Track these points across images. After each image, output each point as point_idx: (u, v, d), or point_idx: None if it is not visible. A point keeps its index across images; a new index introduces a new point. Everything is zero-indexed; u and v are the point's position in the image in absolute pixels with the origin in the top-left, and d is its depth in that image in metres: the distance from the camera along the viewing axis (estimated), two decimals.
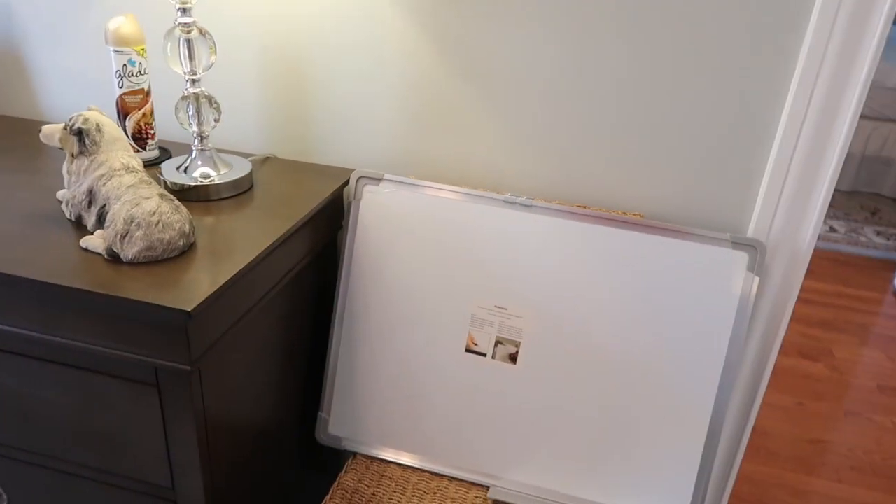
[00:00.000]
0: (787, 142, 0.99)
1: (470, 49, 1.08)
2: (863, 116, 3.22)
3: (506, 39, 1.06)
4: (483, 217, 1.07)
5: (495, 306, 1.08)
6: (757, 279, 0.98)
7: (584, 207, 1.09)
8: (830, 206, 3.28)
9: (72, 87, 1.31)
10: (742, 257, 0.98)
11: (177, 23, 0.96)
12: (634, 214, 1.10)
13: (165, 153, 1.18)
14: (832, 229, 3.04)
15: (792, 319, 2.34)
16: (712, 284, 1.00)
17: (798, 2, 0.93)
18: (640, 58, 1.02)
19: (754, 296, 0.99)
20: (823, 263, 2.77)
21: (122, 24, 1.05)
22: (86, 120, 0.88)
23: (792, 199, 1.02)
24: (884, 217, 3.19)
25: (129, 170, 0.89)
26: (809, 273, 2.69)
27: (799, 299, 2.48)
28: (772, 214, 1.03)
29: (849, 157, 3.31)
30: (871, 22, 0.90)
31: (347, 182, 1.14)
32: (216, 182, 1.02)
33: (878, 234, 3.01)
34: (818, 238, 2.95)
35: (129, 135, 1.12)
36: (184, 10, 0.95)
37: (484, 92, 1.10)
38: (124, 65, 1.07)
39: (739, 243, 0.99)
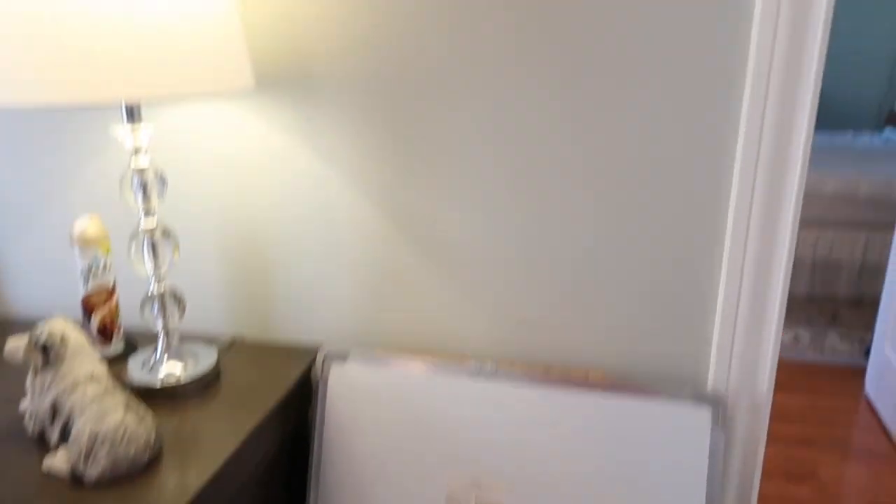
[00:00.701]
0: (731, 287, 1.04)
1: (424, 223, 1.13)
2: (808, 224, 3.37)
3: (459, 212, 1.12)
4: (450, 389, 1.08)
5: (470, 482, 1.07)
6: (723, 434, 0.99)
7: (548, 369, 1.11)
8: (792, 312, 3.36)
9: (38, 282, 1.33)
10: (705, 412, 1.00)
11: (140, 227, 1.00)
12: (596, 372, 1.12)
13: (130, 346, 1.18)
14: (796, 338, 3.10)
15: (771, 439, 2.33)
16: (680, 441, 1.01)
17: (723, 132, 1.01)
18: (589, 223, 1.08)
19: (723, 450, 1.00)
20: (793, 375, 2.80)
21: (86, 226, 1.09)
22: (50, 334, 0.89)
23: (744, 346, 1.06)
24: (844, 320, 3.27)
25: (93, 379, 0.89)
26: (782, 387, 2.71)
27: (776, 417, 2.49)
28: (727, 364, 1.06)
29: (800, 263, 3.44)
30: (791, 162, 0.97)
31: (314, 360, 1.15)
32: (182, 382, 1.02)
33: (842, 338, 3.08)
34: (785, 349, 3.00)
35: (94, 331, 1.13)
36: (147, 214, 0.99)
37: (440, 262, 1.15)
38: (89, 265, 1.10)
39: (701, 398, 1.01)
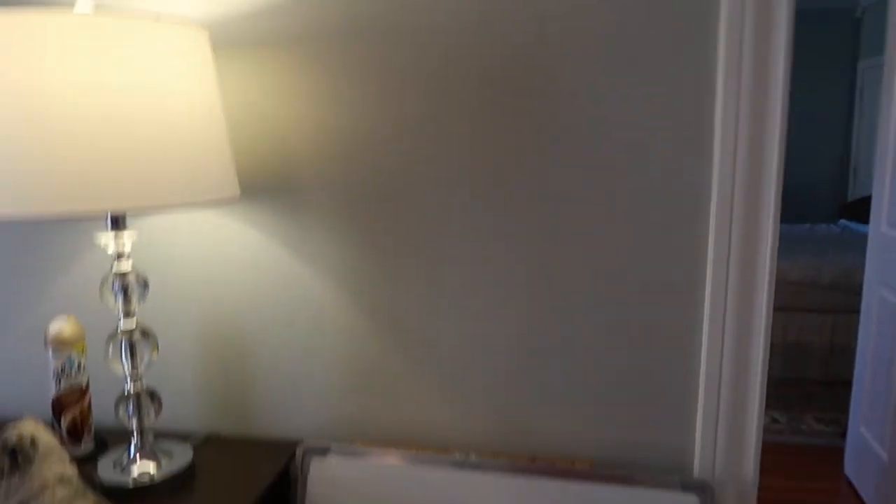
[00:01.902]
0: (711, 375, 1.05)
1: (406, 320, 1.14)
2: (776, 309, 3.45)
3: (436, 308, 1.13)
4: (434, 481, 1.06)
5: None
6: None
7: (533, 459, 1.10)
8: (768, 396, 3.38)
9: (8, 382, 1.29)
10: (693, 500, 0.99)
11: (120, 328, 0.99)
12: (583, 461, 1.11)
13: (102, 445, 1.14)
14: (774, 420, 3.10)
15: None
16: None
17: (695, 231, 1.05)
18: (569, 318, 1.10)
19: None
20: (773, 458, 2.79)
21: (61, 328, 1.07)
22: (20, 437, 0.86)
23: (728, 428, 1.06)
24: (818, 401, 3.29)
25: (62, 481, 0.86)
26: (763, 470, 2.68)
27: (759, 501, 2.45)
28: (713, 448, 1.06)
29: (772, 347, 3.49)
30: (762, 239, 1.02)
31: (294, 456, 1.12)
32: (155, 481, 0.99)
33: (818, 420, 3.09)
34: (764, 432, 2.99)
35: (64, 432, 1.09)
36: (126, 314, 0.99)
37: (422, 358, 1.15)
38: (62, 366, 1.07)
39: (688, 486, 1.00)
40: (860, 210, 4.68)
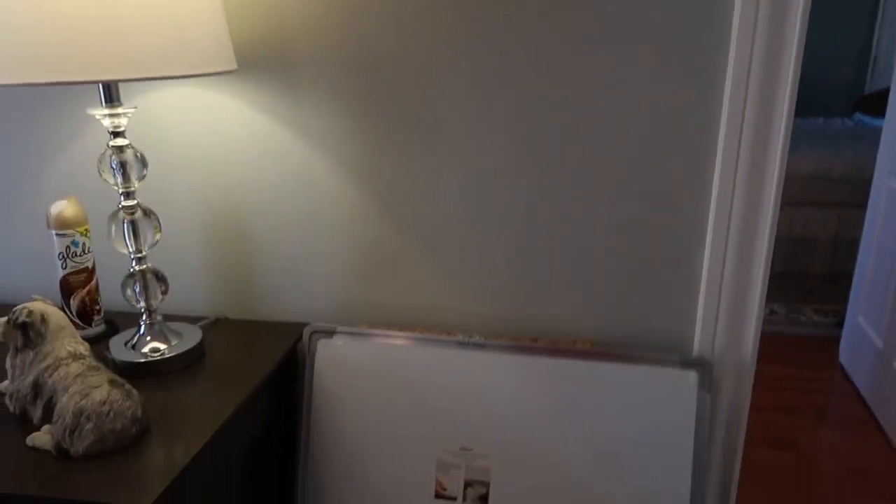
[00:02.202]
0: (716, 257, 1.05)
1: (409, 200, 1.13)
2: (783, 203, 3.43)
3: (441, 189, 1.11)
4: (438, 360, 1.08)
5: (460, 448, 1.07)
6: (709, 396, 1.01)
7: (536, 340, 1.12)
8: (768, 288, 3.42)
9: (14, 267, 1.30)
10: (692, 376, 1.02)
11: (120, 206, 0.98)
12: (584, 342, 1.13)
13: (112, 326, 1.17)
14: (773, 311, 3.15)
15: (751, 407, 2.37)
16: (667, 405, 1.02)
17: (707, 117, 1.02)
18: (573, 195, 1.08)
19: (710, 411, 1.01)
20: (770, 346, 2.85)
21: (64, 208, 1.07)
22: (30, 312, 0.88)
23: (729, 312, 1.07)
24: (819, 295, 3.33)
25: (76, 357, 0.88)
26: (760, 357, 2.76)
27: (754, 386, 2.53)
28: (713, 330, 1.08)
29: (776, 241, 3.49)
30: (775, 123, 0.99)
31: (300, 338, 1.14)
32: (167, 356, 1.01)
33: (817, 312, 3.14)
34: (762, 323, 3.05)
35: (74, 313, 1.11)
36: (127, 195, 0.98)
37: (426, 238, 1.15)
38: (67, 247, 1.08)
39: (688, 363, 1.02)
40: (877, 103, 4.54)
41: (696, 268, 1.08)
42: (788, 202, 3.42)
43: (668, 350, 1.12)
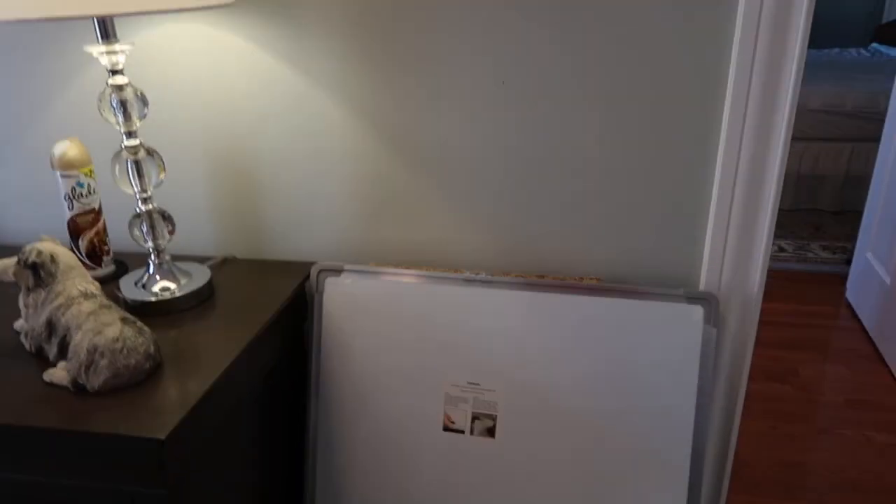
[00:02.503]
0: (724, 194, 1.04)
1: (413, 136, 1.12)
2: (793, 138, 3.37)
3: (448, 124, 1.10)
4: (445, 297, 1.09)
5: (468, 383, 1.09)
6: (714, 330, 1.02)
7: (542, 277, 1.12)
8: (776, 225, 3.40)
9: (21, 210, 1.30)
10: (697, 310, 1.02)
11: (123, 146, 0.98)
12: (591, 279, 1.14)
13: (121, 267, 1.18)
14: (781, 249, 3.15)
15: (756, 343, 2.40)
16: (673, 339, 1.03)
17: (717, 50, 0.99)
18: (580, 130, 1.07)
19: (714, 346, 1.02)
20: (777, 283, 2.86)
21: (67, 149, 1.06)
22: (39, 252, 0.88)
23: (736, 248, 1.07)
24: (827, 231, 3.32)
25: (87, 296, 0.89)
26: (765, 294, 2.77)
27: (760, 323, 2.55)
28: (720, 265, 1.08)
29: (786, 177, 3.45)
30: (787, 54, 0.96)
31: (308, 276, 1.15)
32: (176, 295, 1.03)
33: (824, 248, 3.13)
34: (770, 259, 3.05)
35: (83, 254, 1.12)
36: (129, 134, 0.97)
37: (432, 175, 1.14)
38: (73, 188, 1.08)
39: (693, 297, 1.03)
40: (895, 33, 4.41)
41: (703, 203, 1.07)
42: (799, 137, 3.37)
43: (674, 285, 1.13)
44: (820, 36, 5.01)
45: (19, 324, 0.97)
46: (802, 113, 3.34)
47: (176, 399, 0.82)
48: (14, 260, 0.90)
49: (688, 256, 1.11)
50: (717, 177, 1.04)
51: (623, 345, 1.05)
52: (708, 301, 1.02)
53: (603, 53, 1.01)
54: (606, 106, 1.04)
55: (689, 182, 1.07)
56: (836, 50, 4.56)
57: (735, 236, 1.06)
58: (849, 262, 2.86)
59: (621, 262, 1.14)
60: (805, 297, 2.75)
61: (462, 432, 1.10)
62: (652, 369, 1.04)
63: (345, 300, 1.12)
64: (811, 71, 3.76)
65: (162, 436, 0.75)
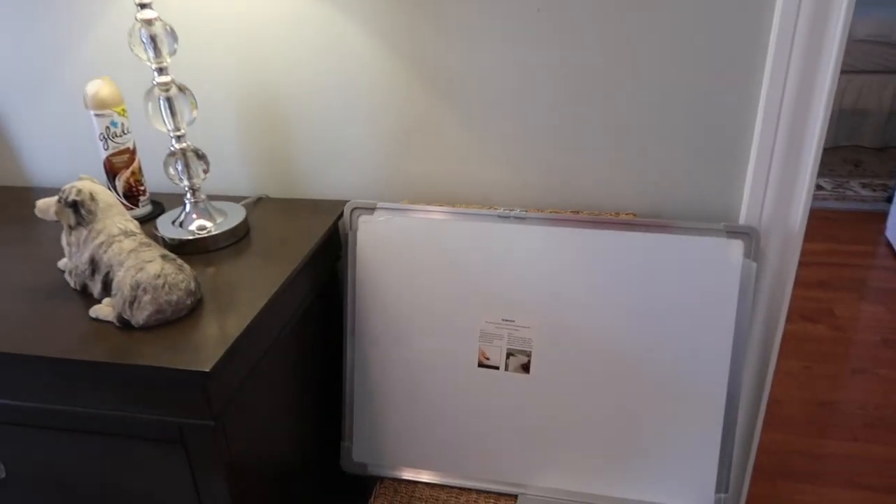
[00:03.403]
0: (768, 125, 1.01)
1: (446, 70, 1.09)
2: None
3: (482, 55, 1.07)
4: (479, 234, 1.09)
5: (502, 319, 1.10)
6: (754, 265, 1.00)
7: (577, 213, 1.11)
8: None
9: (56, 151, 1.31)
10: (737, 245, 1.00)
11: (155, 83, 0.97)
12: (627, 214, 1.12)
13: (158, 207, 1.19)
14: (819, 187, 3.07)
15: None
16: (711, 274, 1.02)
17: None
18: (617, 60, 1.03)
19: (754, 281, 1.01)
20: (813, 222, 2.80)
21: (100, 87, 1.06)
22: (79, 191, 0.89)
23: (779, 182, 1.04)
24: (867, 168, 3.22)
25: (127, 234, 0.90)
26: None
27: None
28: (761, 200, 1.05)
29: None
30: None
31: (342, 214, 1.15)
32: (213, 233, 1.03)
33: (864, 186, 3.05)
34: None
35: (120, 194, 1.13)
36: (160, 70, 0.96)
37: (465, 110, 1.12)
38: (107, 127, 1.08)
39: (733, 231, 1.01)
40: None
41: (745, 136, 1.04)
42: (842, 69, 3.23)
43: (713, 218, 1.11)
44: None
45: (63, 262, 0.99)
46: (847, 43, 3.20)
47: (217, 334, 0.83)
48: (55, 199, 0.91)
49: (727, 191, 1.08)
50: (761, 108, 1.00)
51: (660, 280, 1.03)
52: (749, 235, 1.00)
53: None
54: (646, 35, 1.00)
55: (731, 114, 1.03)
56: None
57: (778, 170, 1.03)
58: (890, 199, 2.79)
59: (658, 196, 1.11)
60: (842, 237, 2.69)
61: (497, 368, 1.11)
62: (689, 305, 1.03)
63: (379, 238, 1.12)
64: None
65: (207, 368, 0.77)
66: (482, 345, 1.11)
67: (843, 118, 3.34)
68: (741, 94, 1.01)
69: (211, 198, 1.14)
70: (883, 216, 2.79)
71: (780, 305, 1.12)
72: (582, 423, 1.09)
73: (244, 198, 1.22)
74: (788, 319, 2.19)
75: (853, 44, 3.19)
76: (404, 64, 1.10)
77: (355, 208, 1.12)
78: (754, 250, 1.00)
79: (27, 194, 1.30)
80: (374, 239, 1.12)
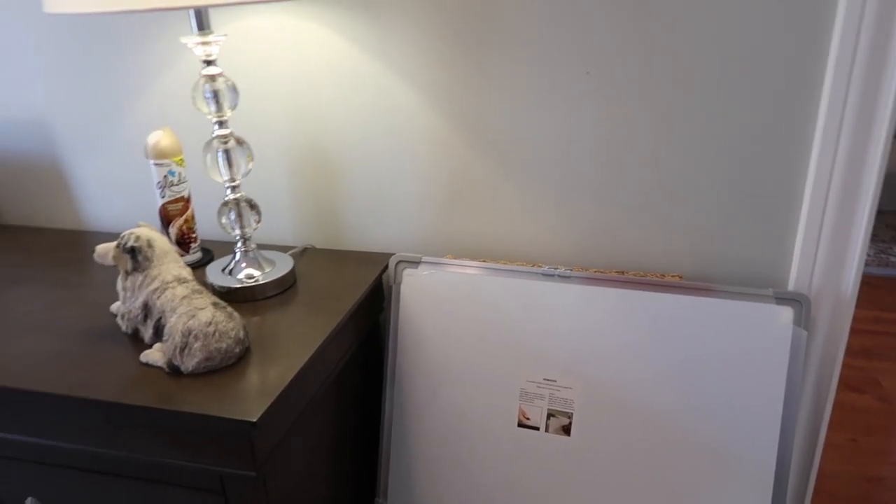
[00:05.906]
0: (819, 191, 1.00)
1: (493, 128, 1.11)
2: None
3: (530, 115, 1.09)
4: (523, 292, 1.09)
5: (544, 379, 1.08)
6: (805, 333, 0.98)
7: (622, 273, 1.10)
8: None
9: (112, 197, 1.36)
10: (787, 312, 0.99)
11: (214, 135, 1.00)
12: (673, 276, 1.11)
13: (207, 254, 1.21)
14: None
15: None
16: (760, 341, 1.00)
17: (814, 37, 0.95)
18: (666, 122, 1.04)
19: (804, 349, 0.98)
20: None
21: (160, 138, 1.10)
22: (137, 238, 0.92)
23: (830, 247, 1.03)
24: None
25: (181, 281, 0.92)
26: None
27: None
28: (811, 266, 1.04)
29: None
30: (893, 44, 0.92)
31: (387, 267, 1.16)
32: (261, 282, 1.05)
33: None
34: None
35: (173, 240, 1.16)
36: (220, 124, 1.00)
37: (511, 168, 1.13)
38: (165, 176, 1.11)
39: (783, 298, 0.99)
40: None
41: (795, 200, 1.03)
42: None
43: (760, 285, 1.09)
44: None
45: (115, 306, 1.01)
46: None
47: (265, 384, 0.84)
48: (113, 244, 0.94)
49: (776, 256, 1.07)
50: (812, 172, 1.00)
51: (706, 345, 1.02)
52: (799, 302, 0.98)
53: (691, 44, 0.99)
54: (693, 97, 1.02)
55: (780, 178, 1.03)
56: None
57: (828, 236, 1.02)
58: None
59: (704, 258, 1.11)
60: (886, 304, 2.62)
61: (537, 429, 1.09)
62: (738, 373, 1.01)
63: (422, 292, 1.12)
64: None
65: (254, 418, 0.77)
66: (522, 404, 1.09)
67: (886, 182, 3.30)
68: (792, 158, 1.01)
69: (259, 246, 1.17)
70: None
71: (830, 374, 1.09)
72: (623, 491, 1.06)
73: (290, 247, 1.24)
74: None
75: None
76: (451, 122, 1.12)
77: (400, 261, 1.13)
78: (804, 318, 0.98)
79: (81, 237, 1.34)
80: (417, 292, 1.13)
